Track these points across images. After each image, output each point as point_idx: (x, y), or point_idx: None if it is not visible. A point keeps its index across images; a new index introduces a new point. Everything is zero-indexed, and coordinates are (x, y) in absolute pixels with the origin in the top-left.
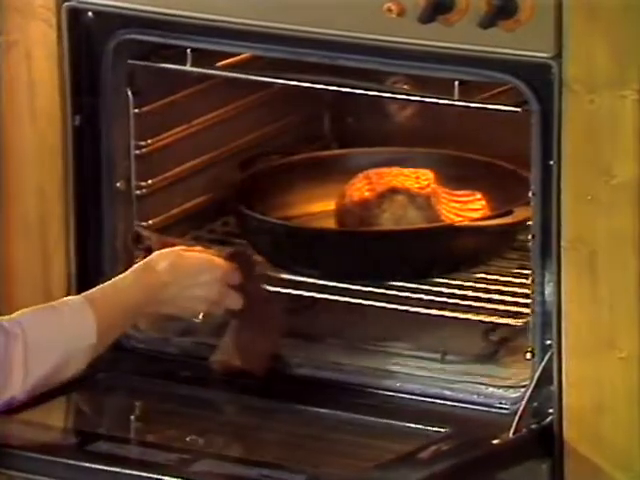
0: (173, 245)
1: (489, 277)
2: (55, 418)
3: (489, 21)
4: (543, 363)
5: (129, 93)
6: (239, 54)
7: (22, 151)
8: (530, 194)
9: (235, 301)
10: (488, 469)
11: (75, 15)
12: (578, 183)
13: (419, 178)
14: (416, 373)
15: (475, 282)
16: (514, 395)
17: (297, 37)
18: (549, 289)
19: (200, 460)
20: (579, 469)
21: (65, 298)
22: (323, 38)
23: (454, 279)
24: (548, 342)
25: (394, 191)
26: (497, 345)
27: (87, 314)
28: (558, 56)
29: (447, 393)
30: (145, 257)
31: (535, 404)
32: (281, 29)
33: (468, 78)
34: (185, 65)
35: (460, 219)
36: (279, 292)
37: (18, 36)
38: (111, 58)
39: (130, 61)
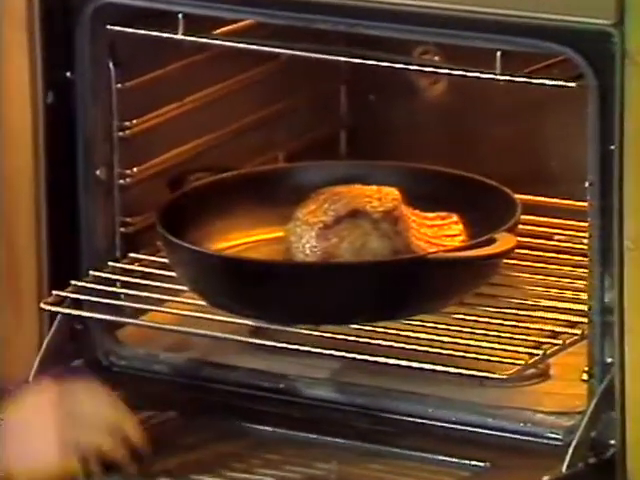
0: None
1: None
2: None
3: None
4: (603, 385)
5: (110, 65)
6: (240, 21)
7: None
8: (587, 184)
9: None
10: None
11: None
12: None
13: (384, 199)
14: (451, 396)
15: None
16: (568, 423)
17: (307, 1)
18: (610, 296)
19: None
20: None
21: None
22: (338, 2)
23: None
24: (609, 360)
25: (354, 215)
26: (547, 364)
27: None
28: (620, 23)
29: (488, 420)
30: None
31: (593, 434)
32: None
33: (512, 48)
34: (176, 33)
35: (434, 249)
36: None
37: None
38: (89, 25)
39: (110, 27)
